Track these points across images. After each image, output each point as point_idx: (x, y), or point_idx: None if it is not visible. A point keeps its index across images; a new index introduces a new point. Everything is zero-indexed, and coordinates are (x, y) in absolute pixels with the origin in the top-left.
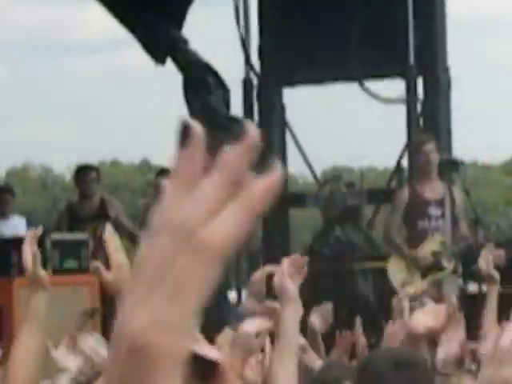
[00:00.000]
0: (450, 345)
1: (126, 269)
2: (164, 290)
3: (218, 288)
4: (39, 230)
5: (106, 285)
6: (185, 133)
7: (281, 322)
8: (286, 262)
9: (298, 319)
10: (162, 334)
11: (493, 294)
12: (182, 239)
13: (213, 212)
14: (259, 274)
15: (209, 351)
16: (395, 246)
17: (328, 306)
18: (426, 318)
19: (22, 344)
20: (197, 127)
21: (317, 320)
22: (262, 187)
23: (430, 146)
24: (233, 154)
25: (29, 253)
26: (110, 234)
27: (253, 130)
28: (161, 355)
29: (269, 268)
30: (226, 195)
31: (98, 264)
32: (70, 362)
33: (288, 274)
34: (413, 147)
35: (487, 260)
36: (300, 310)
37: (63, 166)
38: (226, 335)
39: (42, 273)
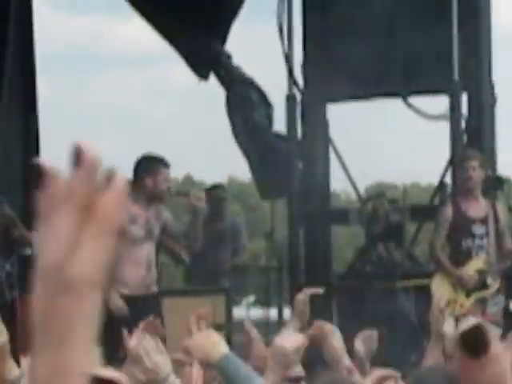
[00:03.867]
0: None
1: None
2: (52, 339)
3: None
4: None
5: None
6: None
7: (329, 349)
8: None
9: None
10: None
11: None
12: (54, 281)
13: (71, 245)
14: (302, 295)
15: (106, 372)
16: (441, 265)
17: (373, 334)
18: None
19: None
20: (48, 166)
21: (361, 347)
22: (110, 204)
23: (474, 163)
24: (75, 181)
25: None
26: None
27: (90, 150)
28: None
29: (311, 290)
30: (78, 223)
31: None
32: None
33: None
34: (457, 162)
35: None
36: None
37: None
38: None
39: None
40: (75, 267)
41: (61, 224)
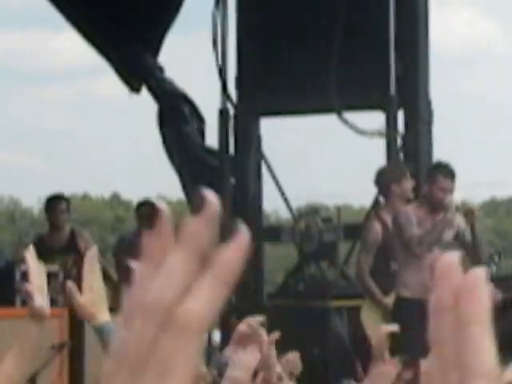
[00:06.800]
0: None
1: (98, 293)
2: (149, 376)
3: None
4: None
5: (78, 308)
6: (152, 214)
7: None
8: None
9: None
10: None
11: None
12: (159, 320)
13: (184, 288)
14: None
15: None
16: (368, 292)
17: (295, 357)
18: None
19: (4, 372)
20: (163, 206)
21: (284, 373)
22: (231, 256)
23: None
24: (194, 226)
25: (35, 282)
26: (90, 256)
27: (212, 199)
28: None
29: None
30: (193, 269)
31: (71, 285)
32: None
33: None
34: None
35: None
36: None
37: (32, 199)
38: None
39: (45, 304)
40: (188, 309)
41: (175, 266)
